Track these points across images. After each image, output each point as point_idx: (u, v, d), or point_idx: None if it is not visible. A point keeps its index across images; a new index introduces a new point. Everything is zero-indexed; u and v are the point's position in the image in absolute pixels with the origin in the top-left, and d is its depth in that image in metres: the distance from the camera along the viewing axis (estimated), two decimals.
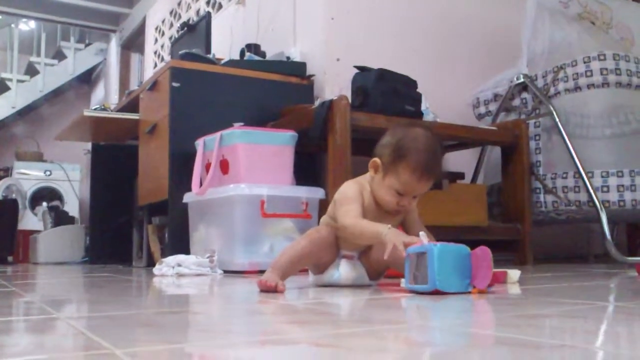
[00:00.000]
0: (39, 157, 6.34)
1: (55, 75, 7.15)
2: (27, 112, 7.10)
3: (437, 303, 1.17)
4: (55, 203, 5.76)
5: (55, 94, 7.22)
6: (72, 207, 5.78)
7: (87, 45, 7.41)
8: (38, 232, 4.50)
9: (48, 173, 6.05)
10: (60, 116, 6.67)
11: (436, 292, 1.26)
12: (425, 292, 1.28)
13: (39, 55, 7.15)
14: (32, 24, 7.48)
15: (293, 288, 1.50)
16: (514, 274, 1.60)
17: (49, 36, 7.22)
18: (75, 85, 7.41)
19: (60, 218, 4.58)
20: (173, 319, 1.01)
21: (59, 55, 7.35)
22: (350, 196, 1.50)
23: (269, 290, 1.39)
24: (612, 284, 1.67)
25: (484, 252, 1.32)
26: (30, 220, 5.50)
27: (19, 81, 6.99)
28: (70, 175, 6.04)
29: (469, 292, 1.30)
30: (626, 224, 3.54)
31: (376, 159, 1.50)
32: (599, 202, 2.55)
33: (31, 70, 7.18)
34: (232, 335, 0.85)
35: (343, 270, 1.52)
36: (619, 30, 2.92)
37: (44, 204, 5.51)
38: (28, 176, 5.96)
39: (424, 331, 0.87)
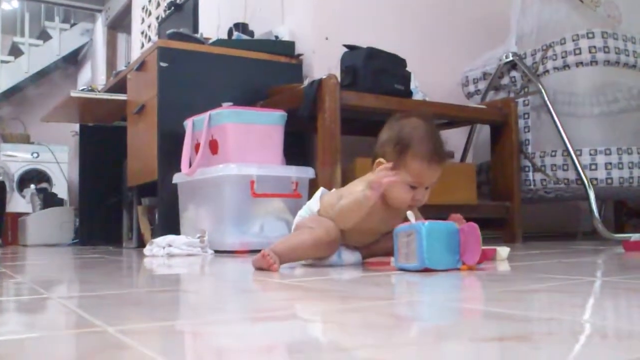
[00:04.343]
0: (25, 139, 6.28)
1: (40, 56, 7.05)
2: (12, 94, 7.01)
3: (426, 279, 1.18)
4: (44, 185, 5.73)
5: (41, 75, 7.13)
6: (60, 189, 5.75)
7: (72, 26, 7.30)
8: (27, 214, 4.48)
9: (35, 155, 6.01)
10: (46, 97, 6.60)
11: (426, 270, 1.28)
12: (415, 270, 1.29)
13: (22, 35, 7.04)
14: (15, 3, 7.36)
15: (285, 267, 1.51)
16: (503, 251, 1.62)
17: (32, 16, 7.10)
18: (61, 66, 7.32)
19: (48, 200, 4.56)
20: (164, 297, 1.02)
21: (44, 36, 7.24)
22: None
23: (263, 266, 1.39)
24: (599, 260, 1.69)
25: (471, 228, 1.32)
26: (18, 203, 5.47)
27: (3, 62, 6.89)
28: (58, 157, 5.99)
29: (459, 269, 1.31)
30: (613, 201, 3.58)
31: (380, 159, 1.47)
32: (587, 180, 2.57)
33: (15, 51, 7.07)
34: (223, 312, 0.85)
35: (344, 257, 1.53)
36: (607, 7, 2.92)
37: (32, 186, 5.48)
38: (15, 158, 5.91)
39: (413, 306, 0.88)
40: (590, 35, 2.64)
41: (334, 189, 1.68)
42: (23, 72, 6.91)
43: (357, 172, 2.11)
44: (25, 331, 0.71)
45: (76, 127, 4.07)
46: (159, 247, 2.20)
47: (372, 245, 1.58)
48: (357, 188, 1.48)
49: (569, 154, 2.61)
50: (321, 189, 1.63)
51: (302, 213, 1.60)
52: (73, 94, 3.24)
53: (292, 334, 0.67)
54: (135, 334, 0.67)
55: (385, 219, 1.50)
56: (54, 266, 1.99)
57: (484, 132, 3.09)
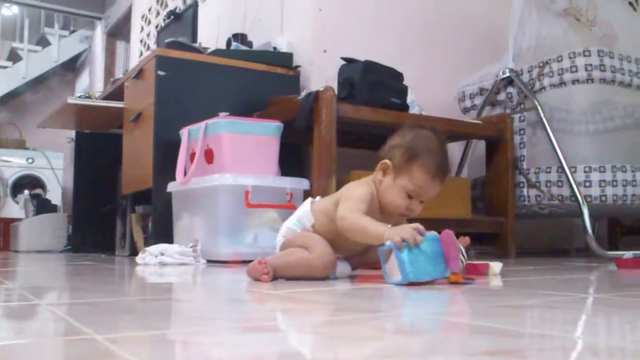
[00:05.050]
0: (21, 145, 6.26)
1: (38, 62, 7.05)
2: (9, 99, 7.00)
3: (417, 293, 1.18)
4: (38, 191, 5.71)
5: (39, 81, 7.12)
6: (54, 195, 5.72)
7: (71, 32, 7.31)
8: (19, 220, 4.46)
9: (30, 161, 5.99)
10: (43, 103, 6.59)
11: (414, 284, 1.27)
12: (402, 284, 1.29)
13: (22, 41, 7.05)
14: (15, 9, 7.37)
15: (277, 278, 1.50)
16: (495, 266, 1.62)
17: (32, 22, 7.11)
18: (59, 72, 7.32)
19: (42, 206, 4.54)
20: (155, 306, 1.01)
21: (43, 42, 7.25)
22: (360, 197, 1.45)
23: (256, 274, 1.39)
24: (592, 277, 1.69)
25: (448, 235, 1.33)
26: (11, 208, 5.44)
27: (1, 67, 6.89)
28: (53, 163, 5.97)
29: (447, 278, 1.31)
30: (607, 218, 3.59)
31: (386, 161, 1.47)
32: (581, 196, 2.58)
33: (14, 57, 7.08)
34: (214, 322, 0.85)
35: (337, 270, 1.51)
36: (602, 27, 2.95)
37: (26, 191, 5.45)
38: (10, 164, 5.89)
39: (403, 320, 0.87)
40: (587, 53, 2.66)
41: (318, 197, 1.66)
42: (21, 78, 6.90)
43: None
44: (13, 337, 0.71)
45: (72, 133, 4.06)
46: (151, 256, 2.19)
47: (362, 256, 1.57)
48: (361, 190, 1.46)
49: (563, 170, 2.62)
50: (309, 199, 1.61)
51: (291, 226, 1.57)
52: (70, 100, 3.24)
53: (282, 345, 0.67)
54: (125, 342, 0.66)
55: (379, 221, 1.49)
56: (44, 273, 1.97)
57: (479, 147, 3.09)
